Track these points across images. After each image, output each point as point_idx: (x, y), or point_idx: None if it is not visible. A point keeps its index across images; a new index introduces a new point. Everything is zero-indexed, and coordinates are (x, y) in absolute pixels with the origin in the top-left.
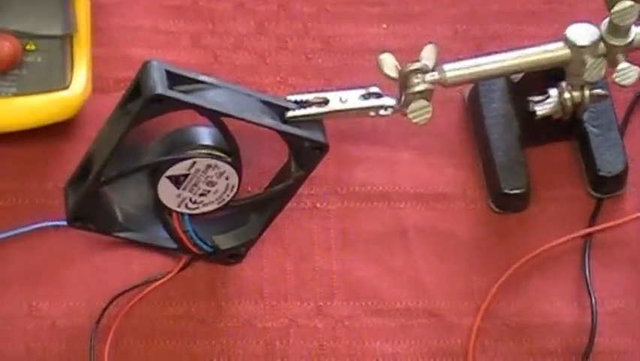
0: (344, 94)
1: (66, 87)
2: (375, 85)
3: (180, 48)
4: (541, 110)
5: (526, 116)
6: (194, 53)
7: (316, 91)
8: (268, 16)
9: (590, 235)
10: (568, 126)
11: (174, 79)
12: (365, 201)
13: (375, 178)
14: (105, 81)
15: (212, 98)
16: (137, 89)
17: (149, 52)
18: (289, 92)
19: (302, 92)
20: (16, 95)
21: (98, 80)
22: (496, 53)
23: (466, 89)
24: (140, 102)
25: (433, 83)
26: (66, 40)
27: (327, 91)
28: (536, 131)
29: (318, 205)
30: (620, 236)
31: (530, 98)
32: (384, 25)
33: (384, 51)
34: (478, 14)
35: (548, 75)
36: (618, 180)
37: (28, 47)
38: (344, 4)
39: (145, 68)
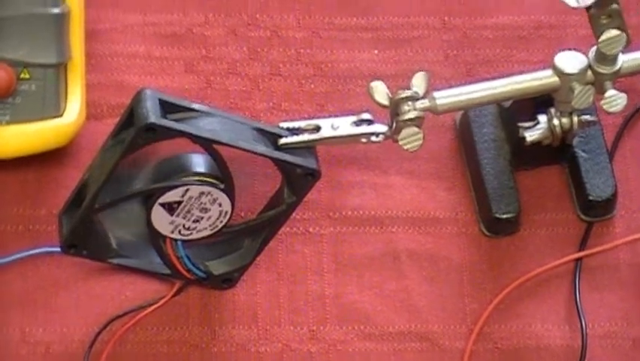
0: (336, 121)
1: (60, 115)
2: (366, 112)
3: (174, 74)
4: (530, 136)
5: (517, 141)
6: (187, 79)
7: (308, 118)
8: (261, 43)
9: (580, 258)
10: (558, 151)
11: (167, 107)
12: (357, 225)
13: (367, 203)
14: (99, 108)
15: (205, 126)
16: (131, 117)
17: (142, 78)
18: (282, 118)
19: (294, 120)
20: (9, 123)
21: (91, 107)
22: (487, 79)
23: (458, 114)
24: (134, 131)
25: (423, 110)
26: (60, 68)
27: (319, 118)
28: (527, 156)
29: (310, 230)
30: (610, 260)
31: (520, 124)
32: (376, 51)
33: (375, 78)
34: (469, 40)
35: (538, 100)
36: (608, 205)
37: (22, 75)
38: (336, 30)
39: (138, 96)
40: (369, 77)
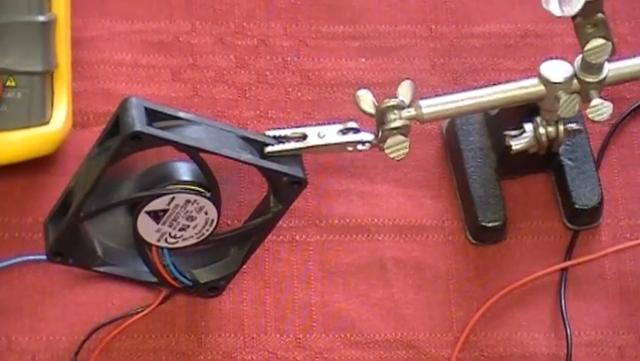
0: (322, 129)
1: (46, 123)
2: (352, 120)
3: (161, 82)
4: (516, 144)
5: (503, 150)
6: (174, 87)
7: (295, 126)
8: (248, 51)
9: (566, 267)
10: (544, 159)
11: (153, 115)
12: (344, 233)
13: (353, 211)
14: (85, 116)
15: (190, 135)
16: (116, 125)
17: (129, 86)
18: (269, 126)
19: (280, 128)
20: None
21: (78, 115)
22: (473, 87)
23: (444, 122)
24: (119, 139)
25: (409, 119)
26: (46, 76)
27: (305, 126)
28: (513, 164)
29: (297, 238)
30: (595, 268)
31: (506, 133)
32: (363, 59)
33: (362, 86)
34: (456, 48)
35: (524, 109)
36: (594, 213)
37: (8, 83)
38: (323, 38)
39: (124, 104)
40: (356, 86)
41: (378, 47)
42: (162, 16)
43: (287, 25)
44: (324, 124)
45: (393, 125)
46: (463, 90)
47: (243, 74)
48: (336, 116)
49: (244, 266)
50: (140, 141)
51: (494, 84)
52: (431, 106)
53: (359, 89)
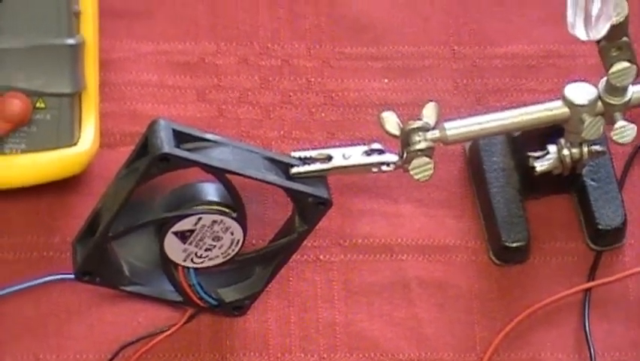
0: (347, 150)
1: (74, 144)
2: (377, 141)
3: (186, 103)
4: (540, 166)
5: (526, 170)
6: (199, 108)
7: (320, 147)
8: (272, 72)
9: (589, 288)
10: (567, 180)
11: (181, 137)
12: (368, 253)
13: (377, 231)
14: (112, 136)
15: (217, 156)
16: (145, 147)
17: (155, 107)
18: (293, 146)
19: (306, 149)
20: (25, 151)
21: (105, 135)
22: (496, 108)
23: (467, 143)
24: (148, 160)
25: (434, 140)
26: (75, 97)
27: (330, 147)
28: (536, 185)
29: (321, 257)
30: (619, 289)
31: (530, 154)
32: (386, 80)
33: (385, 106)
34: (479, 69)
35: (547, 130)
36: (617, 234)
37: (37, 104)
38: (347, 59)
39: (152, 126)
40: (380, 106)
41: (401, 68)
42: (188, 37)
43: (311, 46)
44: (348, 145)
45: (418, 147)
46: (487, 111)
47: (268, 95)
48: (359, 137)
49: (269, 285)
50: (168, 162)
51: (517, 105)
52: (455, 128)
53: (383, 110)
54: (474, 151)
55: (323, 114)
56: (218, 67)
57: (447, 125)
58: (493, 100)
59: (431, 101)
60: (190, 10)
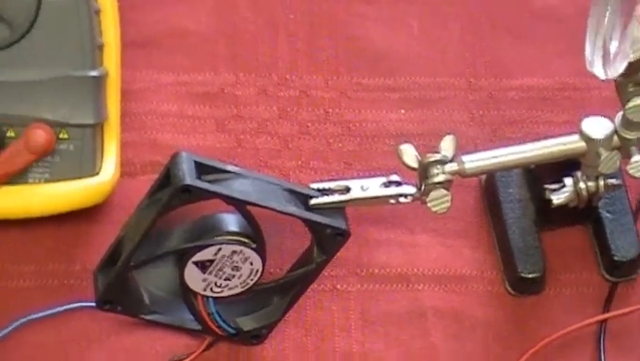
0: (365, 182)
1: (96, 173)
2: (395, 173)
3: (206, 133)
4: (557, 199)
5: (542, 202)
6: (218, 138)
7: (338, 178)
8: (290, 102)
9: (605, 319)
10: (582, 211)
11: (202, 169)
12: (384, 283)
13: (394, 260)
14: (132, 165)
15: (238, 188)
16: (167, 178)
17: (175, 136)
18: (311, 176)
19: (324, 180)
20: (48, 181)
21: (125, 164)
22: (512, 140)
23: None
24: (170, 192)
25: (452, 173)
26: (97, 128)
27: (348, 179)
28: (552, 216)
29: (338, 287)
30: (634, 320)
31: (547, 187)
32: (403, 111)
33: (402, 137)
34: (495, 100)
35: (563, 161)
36: (632, 265)
37: (61, 135)
38: (364, 90)
39: (174, 158)
40: (396, 137)
41: (417, 99)
42: (207, 68)
43: (328, 77)
44: (365, 176)
45: (437, 179)
46: (503, 144)
47: (286, 125)
48: (376, 167)
49: (286, 315)
50: (190, 194)
51: (533, 137)
52: (474, 161)
53: (400, 141)
54: (490, 182)
55: (340, 144)
56: (237, 97)
57: (465, 158)
58: (508, 131)
59: (449, 133)
60: (210, 42)
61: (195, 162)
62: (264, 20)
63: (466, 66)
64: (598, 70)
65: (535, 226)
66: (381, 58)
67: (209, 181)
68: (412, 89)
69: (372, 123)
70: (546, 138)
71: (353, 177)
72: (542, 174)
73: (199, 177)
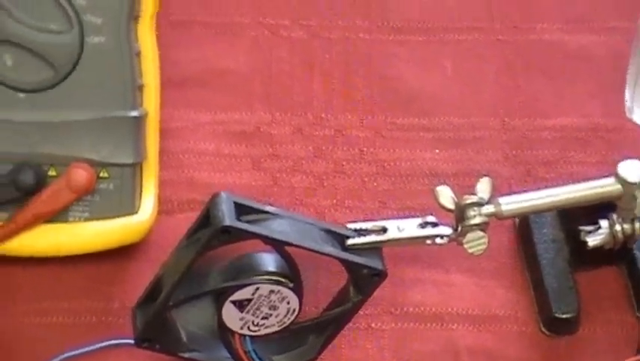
0: (401, 223)
1: (135, 212)
2: (431, 214)
3: (242, 171)
4: (593, 241)
5: (577, 242)
6: (254, 176)
7: (374, 219)
8: (325, 141)
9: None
10: (617, 252)
11: (241, 209)
12: (419, 322)
13: (428, 299)
14: (170, 203)
15: (276, 228)
16: (206, 218)
17: (211, 175)
18: (345, 214)
19: (360, 220)
20: (88, 219)
21: (162, 202)
22: (546, 180)
23: None
24: (210, 232)
25: (488, 216)
26: (137, 167)
27: (384, 219)
28: (586, 257)
29: (372, 325)
30: None
31: (582, 228)
32: (437, 150)
33: (437, 178)
34: (528, 140)
35: (598, 203)
36: None
37: (101, 174)
38: (399, 129)
39: (214, 199)
40: (430, 176)
41: (451, 139)
42: (244, 107)
43: (363, 117)
44: (401, 216)
45: (474, 221)
46: (536, 183)
47: (321, 164)
48: (410, 206)
49: (322, 353)
50: (230, 234)
51: (568, 179)
52: (510, 203)
53: (434, 180)
54: (524, 222)
55: (375, 183)
56: (273, 136)
57: (502, 200)
58: (542, 171)
59: (485, 175)
60: (246, 81)
61: (235, 203)
62: (299, 60)
63: (499, 106)
64: (637, 117)
65: (569, 267)
66: (415, 98)
67: (248, 222)
68: (446, 129)
69: (407, 162)
70: (580, 179)
71: (388, 216)
72: (577, 214)
73: (238, 218)
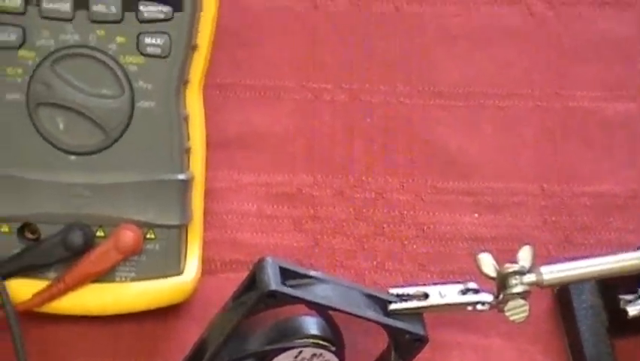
0: (443, 288)
1: (180, 273)
2: (472, 280)
3: (283, 232)
4: (632, 310)
5: (616, 310)
6: (296, 237)
7: (413, 282)
8: (366, 204)
9: None
10: None
11: (286, 273)
12: None
13: None
14: (213, 263)
15: (320, 293)
16: (252, 282)
17: (254, 236)
18: (385, 277)
19: (402, 285)
20: (134, 279)
21: (206, 262)
22: (584, 246)
23: None
24: (256, 296)
25: (530, 284)
26: (182, 229)
27: (425, 285)
28: (625, 324)
29: None
30: None
31: (622, 297)
32: (477, 215)
33: (476, 242)
34: (567, 206)
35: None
36: None
37: (148, 235)
38: (439, 193)
39: (260, 264)
40: (470, 240)
41: (491, 203)
42: (286, 169)
43: (403, 180)
44: (441, 280)
45: (516, 290)
46: (574, 249)
47: (362, 226)
48: (450, 270)
49: None
50: (275, 298)
51: (607, 247)
52: (552, 273)
53: (475, 246)
54: (563, 289)
55: (415, 246)
56: (314, 198)
57: (543, 270)
58: (580, 237)
59: (526, 244)
60: (289, 144)
61: (280, 268)
62: (341, 123)
63: (538, 172)
64: None
65: (608, 334)
66: (455, 162)
67: (293, 286)
68: (485, 194)
69: (447, 226)
70: (618, 245)
71: (427, 280)
72: (616, 282)
73: (283, 283)
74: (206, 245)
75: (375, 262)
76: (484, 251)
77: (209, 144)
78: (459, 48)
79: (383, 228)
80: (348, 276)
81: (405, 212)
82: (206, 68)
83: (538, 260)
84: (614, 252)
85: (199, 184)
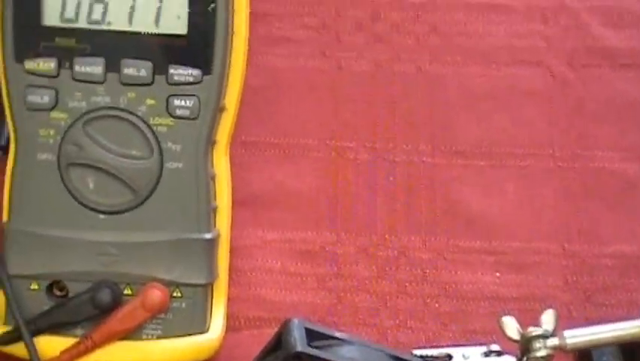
0: (466, 350)
1: (205, 331)
2: (495, 342)
3: (307, 289)
4: None
5: None
6: (319, 295)
7: (436, 343)
8: (389, 262)
9: None
10: None
11: (312, 335)
12: None
13: None
14: (237, 320)
15: (345, 354)
16: (278, 343)
17: (278, 293)
18: (408, 335)
19: (426, 346)
20: (160, 337)
21: (230, 319)
22: (606, 306)
23: None
24: (282, 357)
25: (553, 348)
26: (208, 287)
27: (449, 346)
28: None
29: None
30: None
31: None
32: (498, 274)
33: (498, 301)
34: (588, 267)
35: None
36: None
37: (174, 293)
38: (461, 252)
39: (287, 325)
40: (492, 299)
41: (512, 263)
42: (310, 227)
43: (426, 239)
44: (464, 342)
45: (539, 354)
46: (596, 309)
47: (384, 284)
48: (472, 329)
49: None
50: (301, 360)
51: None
52: (575, 337)
53: (496, 306)
54: (584, 351)
55: (437, 305)
56: (337, 256)
57: (567, 334)
58: (602, 298)
59: (550, 307)
60: (313, 201)
61: (306, 329)
62: (364, 182)
63: (559, 232)
64: None
65: None
66: (477, 221)
67: (318, 347)
68: (507, 253)
69: (468, 285)
70: None
71: (449, 339)
72: (638, 346)
73: (309, 344)
74: (230, 302)
75: (397, 321)
76: (507, 314)
77: (235, 202)
78: (481, 108)
79: (405, 286)
80: (370, 334)
81: (427, 271)
82: (233, 128)
83: (560, 320)
84: (636, 315)
85: (225, 242)
